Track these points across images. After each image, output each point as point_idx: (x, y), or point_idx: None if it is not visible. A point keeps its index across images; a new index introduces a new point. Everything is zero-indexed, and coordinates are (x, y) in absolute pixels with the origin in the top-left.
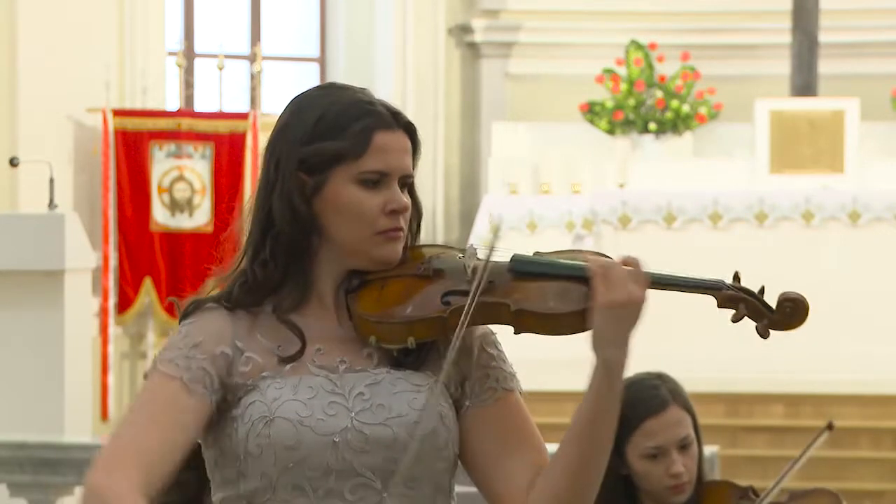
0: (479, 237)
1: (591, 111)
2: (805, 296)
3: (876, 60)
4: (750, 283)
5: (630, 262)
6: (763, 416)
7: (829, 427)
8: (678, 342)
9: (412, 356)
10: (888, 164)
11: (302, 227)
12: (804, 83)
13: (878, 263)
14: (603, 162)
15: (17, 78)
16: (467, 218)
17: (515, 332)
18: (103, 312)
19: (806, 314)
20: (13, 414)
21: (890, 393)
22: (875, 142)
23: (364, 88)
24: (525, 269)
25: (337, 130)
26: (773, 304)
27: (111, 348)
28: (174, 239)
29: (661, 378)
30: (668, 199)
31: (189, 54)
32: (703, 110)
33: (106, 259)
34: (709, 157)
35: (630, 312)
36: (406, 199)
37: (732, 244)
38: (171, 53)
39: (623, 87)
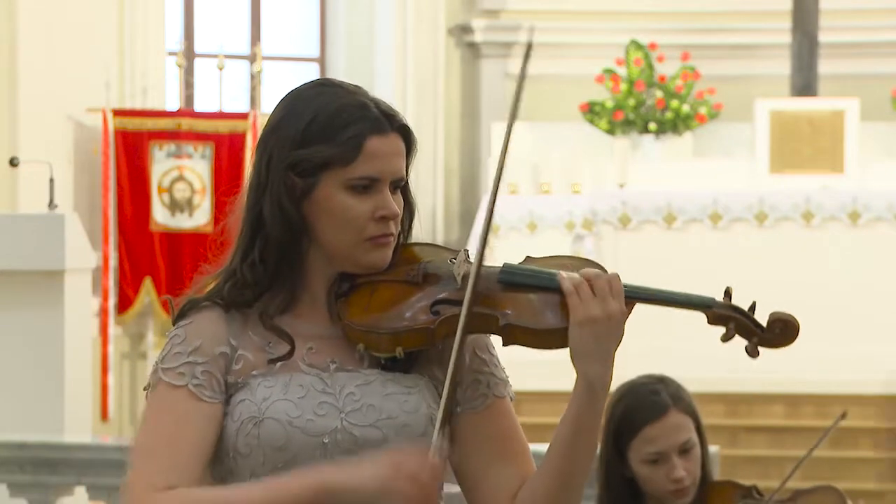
0: (477, 237)
1: (591, 111)
2: (796, 316)
3: (876, 60)
4: (749, 284)
5: (609, 277)
6: (763, 416)
7: (843, 416)
8: (678, 341)
9: (402, 360)
10: (888, 164)
11: (292, 229)
12: (804, 83)
13: (878, 263)
14: (603, 162)
15: (17, 78)
16: (467, 218)
17: (504, 345)
18: (103, 312)
19: (796, 335)
20: (13, 414)
21: (890, 393)
22: (875, 142)
23: (359, 87)
24: (514, 281)
25: (328, 135)
26: (764, 322)
27: (111, 348)
28: (174, 239)
29: (662, 382)
30: (668, 199)
31: (189, 54)
32: (703, 110)
33: (106, 259)
34: (709, 157)
35: (609, 327)
36: (399, 202)
37: (732, 244)
38: (171, 53)
39: (623, 87)
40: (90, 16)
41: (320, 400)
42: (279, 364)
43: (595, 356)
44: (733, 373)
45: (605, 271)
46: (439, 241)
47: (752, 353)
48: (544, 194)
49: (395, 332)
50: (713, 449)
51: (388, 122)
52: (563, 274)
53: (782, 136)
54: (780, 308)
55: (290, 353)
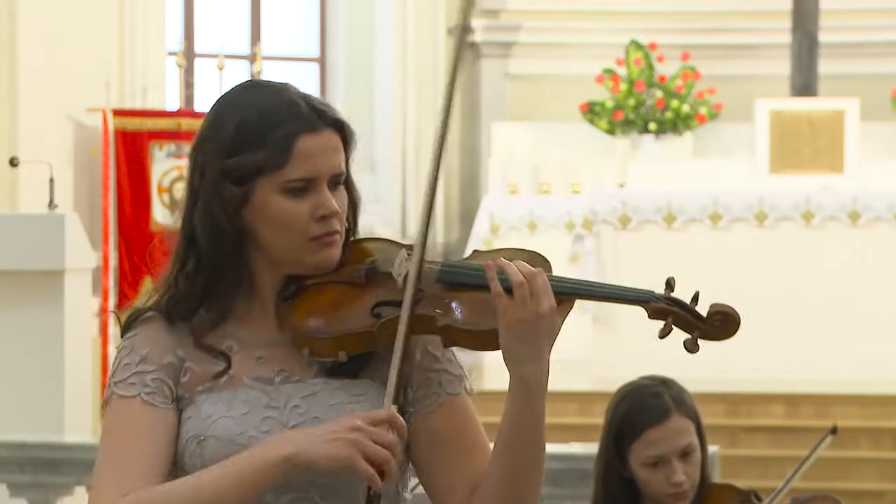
0: (477, 237)
1: (591, 111)
2: (736, 309)
3: (876, 60)
4: (749, 284)
5: (534, 275)
6: (763, 416)
7: (833, 431)
8: (678, 342)
9: (350, 364)
10: (888, 164)
11: (227, 238)
12: (804, 83)
13: (878, 263)
14: (603, 162)
15: (17, 78)
16: (467, 218)
17: (444, 346)
18: (103, 312)
19: (736, 327)
20: (13, 414)
21: (890, 393)
22: (875, 142)
23: (287, 85)
24: (454, 280)
25: (258, 139)
26: (705, 314)
27: (111, 348)
28: (174, 239)
29: (665, 384)
30: (668, 199)
31: (189, 54)
32: (703, 110)
33: (106, 259)
34: (709, 157)
35: (538, 328)
36: (341, 198)
37: (732, 244)
38: (171, 53)
39: (623, 87)
40: (90, 16)
41: (264, 415)
42: (224, 378)
43: (527, 358)
44: (733, 373)
45: (548, 263)
46: (439, 241)
47: (691, 348)
48: (544, 194)
49: (336, 337)
50: (713, 449)
51: (320, 118)
52: (493, 273)
53: (782, 136)
54: (780, 307)
55: (226, 370)
